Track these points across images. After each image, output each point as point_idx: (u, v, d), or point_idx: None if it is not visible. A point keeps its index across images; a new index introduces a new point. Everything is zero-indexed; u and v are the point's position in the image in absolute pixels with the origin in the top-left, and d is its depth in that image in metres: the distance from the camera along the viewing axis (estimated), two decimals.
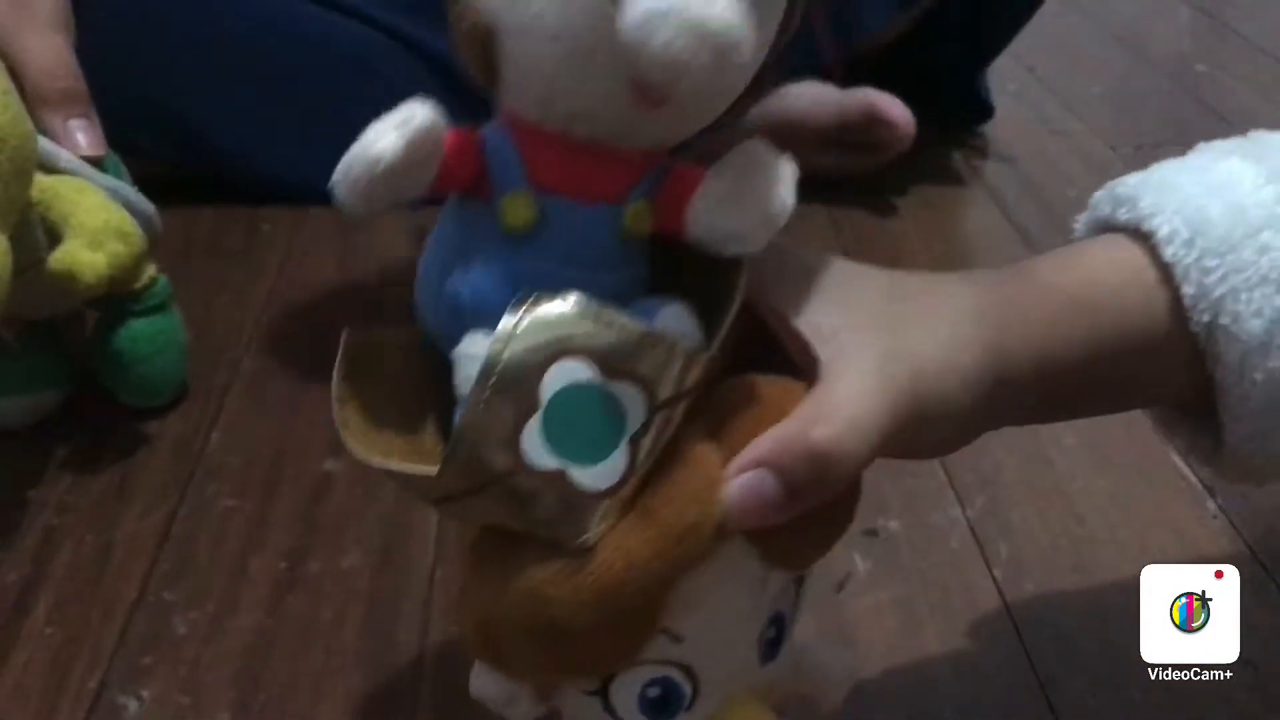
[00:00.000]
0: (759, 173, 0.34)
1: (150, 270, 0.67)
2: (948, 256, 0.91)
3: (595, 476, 0.32)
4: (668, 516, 0.33)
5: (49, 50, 0.64)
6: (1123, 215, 0.40)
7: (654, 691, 0.36)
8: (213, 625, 0.54)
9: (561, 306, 0.32)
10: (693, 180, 0.34)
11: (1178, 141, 0.45)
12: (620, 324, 0.32)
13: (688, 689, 0.36)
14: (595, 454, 0.32)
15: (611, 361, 0.32)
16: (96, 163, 0.64)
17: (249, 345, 0.75)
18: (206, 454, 0.65)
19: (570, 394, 0.32)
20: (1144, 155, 1.09)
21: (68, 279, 0.57)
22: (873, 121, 0.92)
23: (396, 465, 0.34)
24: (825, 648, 0.41)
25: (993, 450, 0.66)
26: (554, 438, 0.32)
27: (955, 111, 1.08)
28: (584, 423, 0.32)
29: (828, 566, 0.40)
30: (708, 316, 0.35)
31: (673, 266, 0.36)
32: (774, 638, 0.38)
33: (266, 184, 0.92)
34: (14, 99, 0.55)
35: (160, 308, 0.67)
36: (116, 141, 0.67)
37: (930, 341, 0.36)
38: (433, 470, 0.32)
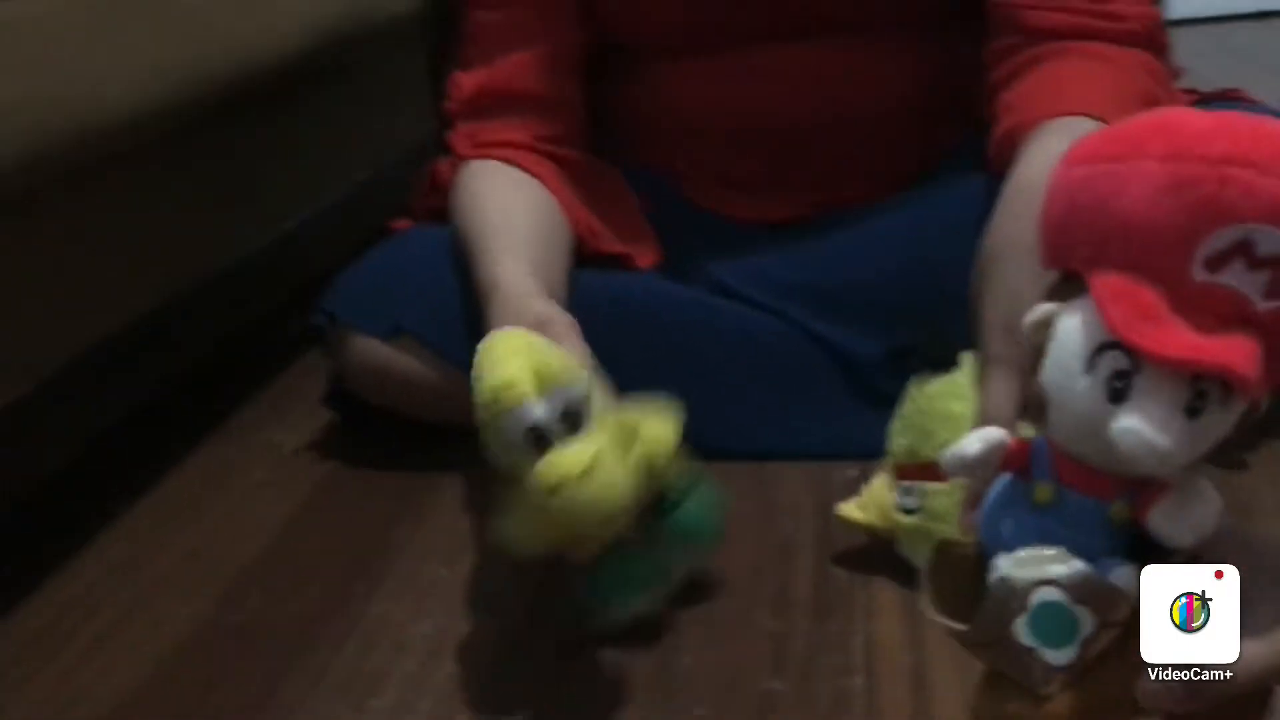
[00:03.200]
0: (1195, 501, 0.50)
1: None
2: None
3: (1056, 657, 0.52)
4: (1099, 692, 0.53)
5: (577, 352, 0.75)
6: None
7: None
8: None
9: (1055, 555, 0.52)
10: (1154, 496, 0.50)
11: None
12: (1086, 574, 0.51)
13: None
14: (1058, 644, 0.52)
15: (1077, 594, 0.51)
16: None
17: None
18: None
19: (1048, 607, 0.52)
20: None
21: None
22: None
23: (952, 624, 0.53)
24: None
25: None
26: (1034, 629, 0.52)
27: None
28: (1054, 625, 0.51)
29: None
30: None
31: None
32: None
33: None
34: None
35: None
36: None
37: None
38: (966, 629, 0.54)
